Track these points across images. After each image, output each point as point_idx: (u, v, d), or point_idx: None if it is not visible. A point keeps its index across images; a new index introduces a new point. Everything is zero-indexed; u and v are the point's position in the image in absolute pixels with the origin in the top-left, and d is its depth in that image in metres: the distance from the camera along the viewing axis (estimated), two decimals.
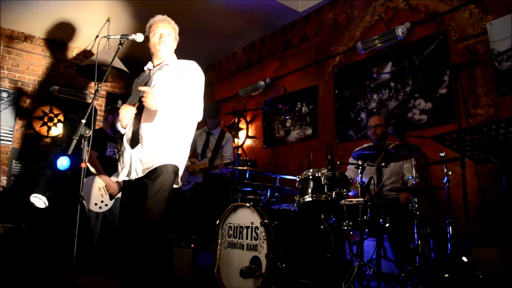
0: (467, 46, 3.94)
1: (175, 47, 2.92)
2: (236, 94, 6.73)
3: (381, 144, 3.26)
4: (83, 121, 2.41)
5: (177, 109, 2.61)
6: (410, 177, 3.54)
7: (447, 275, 2.82)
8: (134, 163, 2.63)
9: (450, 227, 3.00)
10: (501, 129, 1.95)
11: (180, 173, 2.76)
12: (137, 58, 6.87)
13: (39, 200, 5.62)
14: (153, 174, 2.57)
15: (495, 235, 3.38)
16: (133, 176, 2.63)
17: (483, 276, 2.91)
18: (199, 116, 2.72)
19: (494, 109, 3.70)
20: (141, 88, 2.56)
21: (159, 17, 2.87)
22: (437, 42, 4.16)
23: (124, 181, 2.74)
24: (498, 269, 3.19)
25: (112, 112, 4.71)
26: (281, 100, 5.76)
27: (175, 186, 2.74)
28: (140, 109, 2.67)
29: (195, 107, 2.68)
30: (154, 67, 2.85)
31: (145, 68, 2.90)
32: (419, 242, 2.96)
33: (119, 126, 2.82)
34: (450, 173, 3.08)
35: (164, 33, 2.80)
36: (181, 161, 2.72)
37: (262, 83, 6.15)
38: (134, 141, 2.66)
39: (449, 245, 3.00)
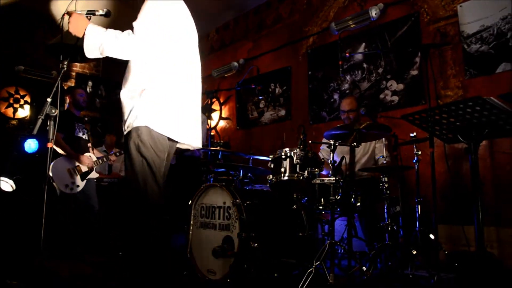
0: (438, 28, 3.98)
1: None
2: (209, 75, 6.64)
3: (353, 124, 3.28)
4: (49, 99, 2.33)
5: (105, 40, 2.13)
6: (381, 157, 3.60)
7: (415, 252, 2.91)
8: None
9: (419, 206, 3.08)
10: (468, 108, 1.99)
11: (164, 129, 2.21)
12: None
13: (5, 184, 5.47)
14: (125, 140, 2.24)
15: (460, 213, 3.49)
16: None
17: (449, 253, 3.02)
18: (132, 49, 2.13)
19: (462, 91, 3.77)
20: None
21: None
22: (409, 23, 4.19)
23: None
24: (462, 246, 3.30)
25: (69, 92, 4.61)
26: (254, 81, 5.72)
27: (183, 147, 2.40)
28: None
29: (127, 38, 2.12)
30: None
31: None
32: (389, 221, 3.03)
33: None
34: (419, 153, 3.15)
35: None
36: (153, 119, 2.17)
37: (235, 64, 6.09)
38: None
39: (417, 223, 3.08)
